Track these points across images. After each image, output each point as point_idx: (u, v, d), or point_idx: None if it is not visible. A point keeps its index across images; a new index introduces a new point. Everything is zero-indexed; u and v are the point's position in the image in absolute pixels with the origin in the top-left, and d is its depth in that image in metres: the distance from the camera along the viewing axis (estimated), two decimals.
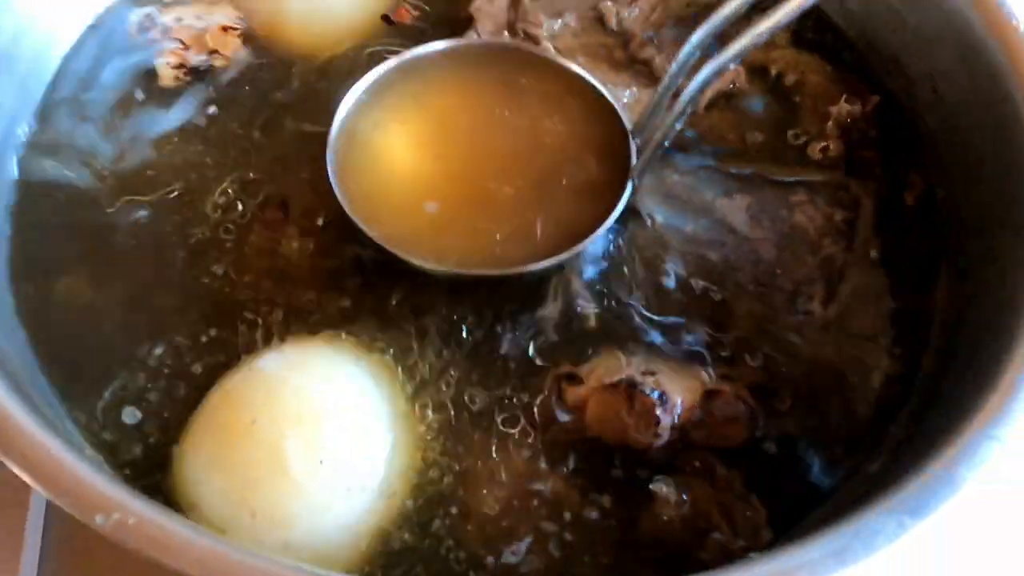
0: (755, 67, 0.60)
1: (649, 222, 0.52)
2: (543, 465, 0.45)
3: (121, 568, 0.63)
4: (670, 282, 0.51)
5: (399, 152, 0.53)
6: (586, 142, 0.53)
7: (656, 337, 0.49)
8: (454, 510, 0.44)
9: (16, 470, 0.32)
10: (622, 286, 0.51)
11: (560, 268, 0.50)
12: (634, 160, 0.51)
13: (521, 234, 0.49)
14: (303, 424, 0.42)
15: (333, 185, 0.48)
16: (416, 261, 0.48)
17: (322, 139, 0.50)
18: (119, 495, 0.32)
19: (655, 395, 0.46)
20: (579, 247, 0.48)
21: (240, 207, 0.51)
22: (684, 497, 0.44)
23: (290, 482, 0.41)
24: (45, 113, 0.54)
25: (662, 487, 0.44)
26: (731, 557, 0.42)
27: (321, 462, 0.41)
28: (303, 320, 0.48)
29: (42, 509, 0.66)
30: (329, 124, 0.50)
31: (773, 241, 0.52)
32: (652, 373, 0.47)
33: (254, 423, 0.42)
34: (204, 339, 0.47)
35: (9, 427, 0.32)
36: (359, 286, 0.49)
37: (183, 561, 0.31)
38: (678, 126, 0.47)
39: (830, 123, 0.57)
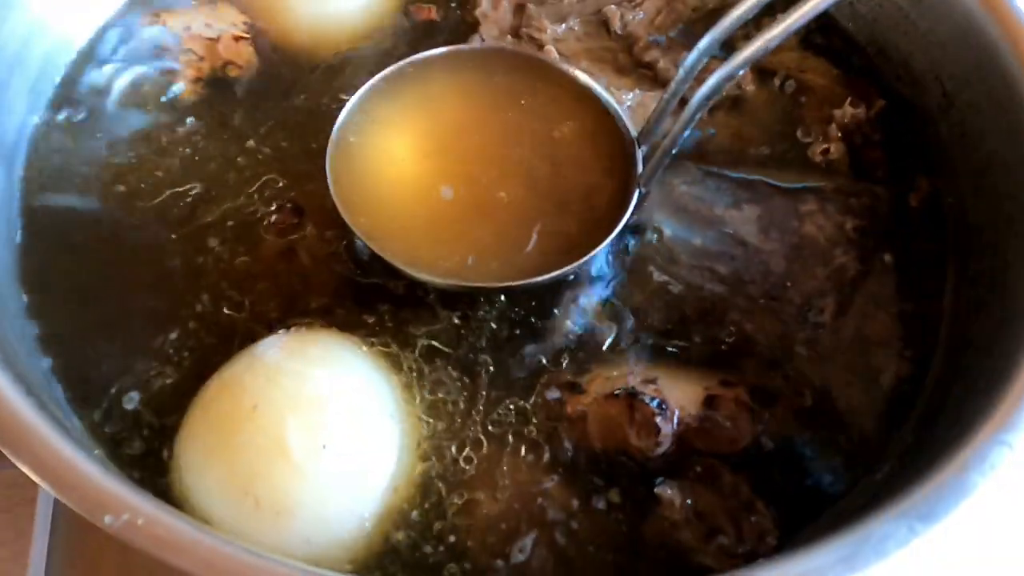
0: (761, 69, 0.59)
1: (658, 236, 0.52)
2: (546, 473, 0.45)
3: (128, 565, 0.64)
4: (677, 296, 0.50)
5: (400, 160, 0.53)
6: (591, 149, 0.53)
7: (660, 347, 0.49)
8: (456, 509, 0.44)
9: (27, 471, 0.32)
10: (628, 298, 0.50)
11: (567, 278, 0.49)
12: (640, 168, 0.51)
13: (526, 245, 0.49)
14: (304, 409, 0.42)
15: (332, 194, 0.48)
16: (417, 274, 0.47)
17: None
18: (128, 495, 0.32)
19: (655, 404, 0.46)
20: (585, 258, 0.48)
21: (254, 211, 0.52)
22: (689, 502, 0.44)
23: (293, 467, 0.41)
24: (56, 115, 0.55)
25: (666, 491, 0.44)
26: (736, 562, 0.42)
27: (324, 447, 0.41)
28: (306, 318, 0.48)
29: (50, 508, 0.67)
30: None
31: (783, 253, 0.51)
32: (652, 381, 0.47)
33: (255, 409, 0.42)
34: (206, 336, 0.48)
35: (20, 428, 0.32)
36: (365, 288, 0.49)
37: (191, 561, 0.31)
38: (686, 133, 0.47)
39: (832, 126, 0.56)
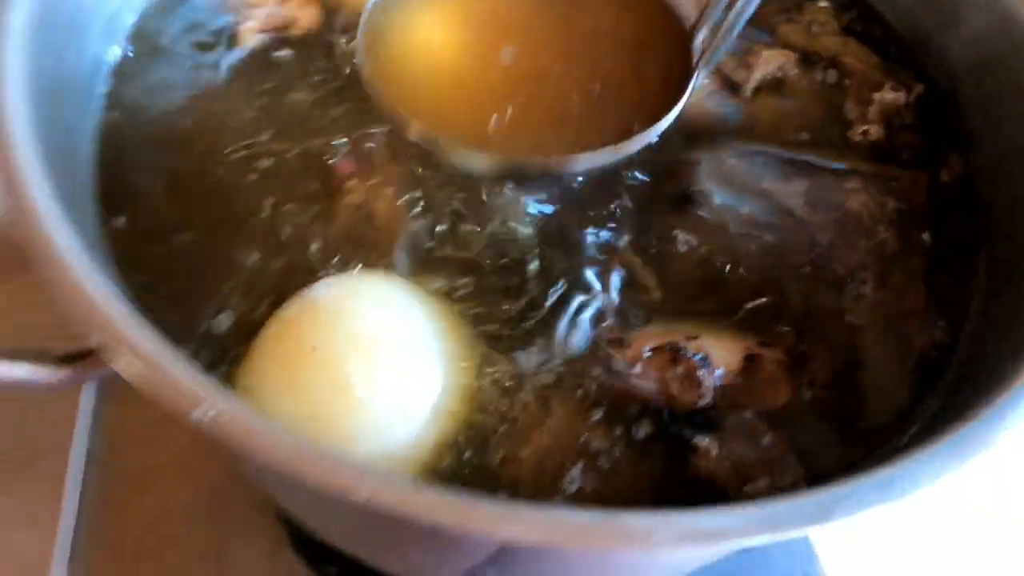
0: (804, 53, 0.62)
1: (707, 203, 0.54)
2: (590, 419, 0.47)
3: (159, 530, 0.66)
4: (723, 261, 0.52)
5: (439, 38, 0.52)
6: (644, 36, 0.52)
7: (703, 309, 0.51)
8: (506, 447, 0.46)
9: (126, 363, 0.34)
10: (674, 260, 0.52)
11: (617, 162, 0.49)
12: (697, 55, 0.51)
13: (575, 127, 0.48)
14: (362, 348, 0.45)
15: (365, 73, 0.48)
16: (458, 151, 0.47)
17: None
18: (214, 393, 0.34)
19: (698, 358, 0.48)
20: (638, 139, 0.48)
21: (318, 158, 0.54)
22: (725, 452, 0.46)
23: (355, 402, 0.43)
24: (130, 53, 0.57)
25: (704, 440, 0.46)
26: None
27: (381, 383, 0.44)
28: (364, 262, 0.50)
29: (82, 459, 0.69)
30: None
31: (828, 226, 0.53)
32: (695, 337, 0.49)
33: (314, 350, 0.44)
34: (269, 274, 0.50)
35: (119, 324, 0.35)
36: (419, 228, 0.52)
37: (270, 456, 0.33)
38: (751, 9, 0.47)
39: (873, 108, 0.59)
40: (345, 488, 0.32)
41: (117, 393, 0.71)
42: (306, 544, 0.66)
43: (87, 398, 0.71)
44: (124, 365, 0.34)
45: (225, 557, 0.67)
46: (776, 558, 0.69)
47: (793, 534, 0.33)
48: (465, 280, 0.51)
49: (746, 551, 0.68)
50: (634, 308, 0.51)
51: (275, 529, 0.66)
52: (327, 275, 0.49)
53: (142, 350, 0.34)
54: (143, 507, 0.67)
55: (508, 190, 0.53)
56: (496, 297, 0.50)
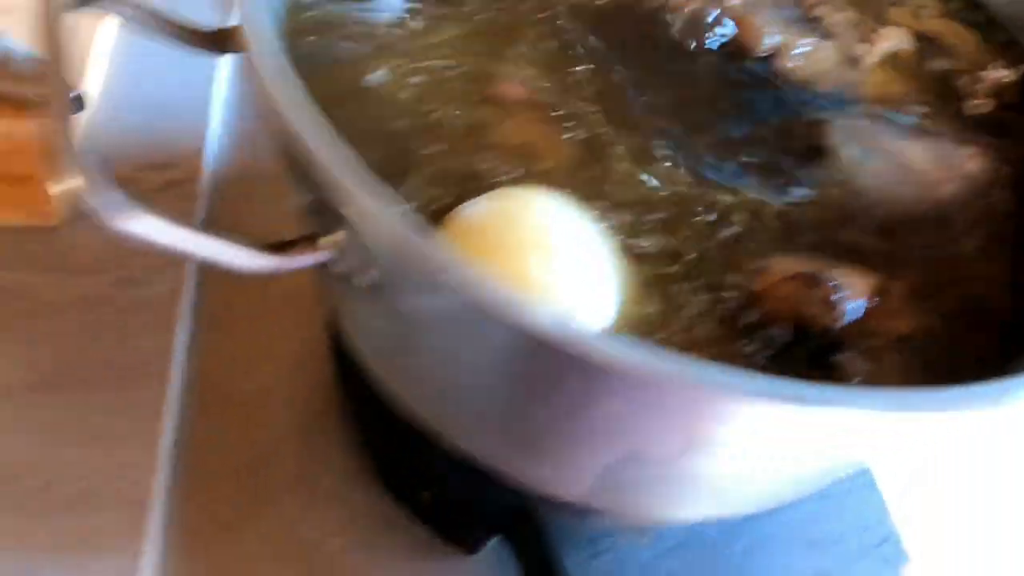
0: (916, 33, 0.68)
1: (834, 155, 0.59)
2: (736, 337, 0.51)
3: (251, 458, 0.68)
4: (851, 206, 0.57)
5: None
6: None
7: (832, 249, 0.56)
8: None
9: (376, 234, 0.38)
10: (805, 205, 0.57)
11: None
12: None
13: None
14: (542, 245, 0.49)
15: None
16: None
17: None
18: (455, 260, 0.38)
19: (833, 284, 0.53)
20: None
21: (487, 80, 0.58)
22: (860, 370, 0.51)
23: (535, 295, 0.47)
24: None
25: (842, 359, 0.51)
26: None
27: (560, 282, 0.48)
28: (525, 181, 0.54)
29: (180, 383, 0.72)
30: None
31: (948, 183, 0.59)
32: (830, 268, 0.54)
33: (497, 248, 0.48)
34: (439, 179, 0.53)
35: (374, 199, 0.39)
36: (576, 163, 0.56)
37: (517, 321, 0.37)
38: None
39: (982, 85, 0.65)
40: (589, 351, 0.36)
41: (212, 323, 0.75)
42: (396, 477, 0.69)
43: (183, 326, 0.74)
44: (374, 236, 0.38)
45: (316, 484, 0.70)
46: (847, 506, 0.74)
47: (965, 415, 0.37)
48: (620, 214, 0.55)
49: (821, 497, 0.72)
50: (769, 245, 0.55)
51: (367, 461, 0.70)
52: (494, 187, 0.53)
53: (390, 219, 0.38)
54: (237, 434, 0.70)
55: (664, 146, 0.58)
56: (647, 232, 0.55)
